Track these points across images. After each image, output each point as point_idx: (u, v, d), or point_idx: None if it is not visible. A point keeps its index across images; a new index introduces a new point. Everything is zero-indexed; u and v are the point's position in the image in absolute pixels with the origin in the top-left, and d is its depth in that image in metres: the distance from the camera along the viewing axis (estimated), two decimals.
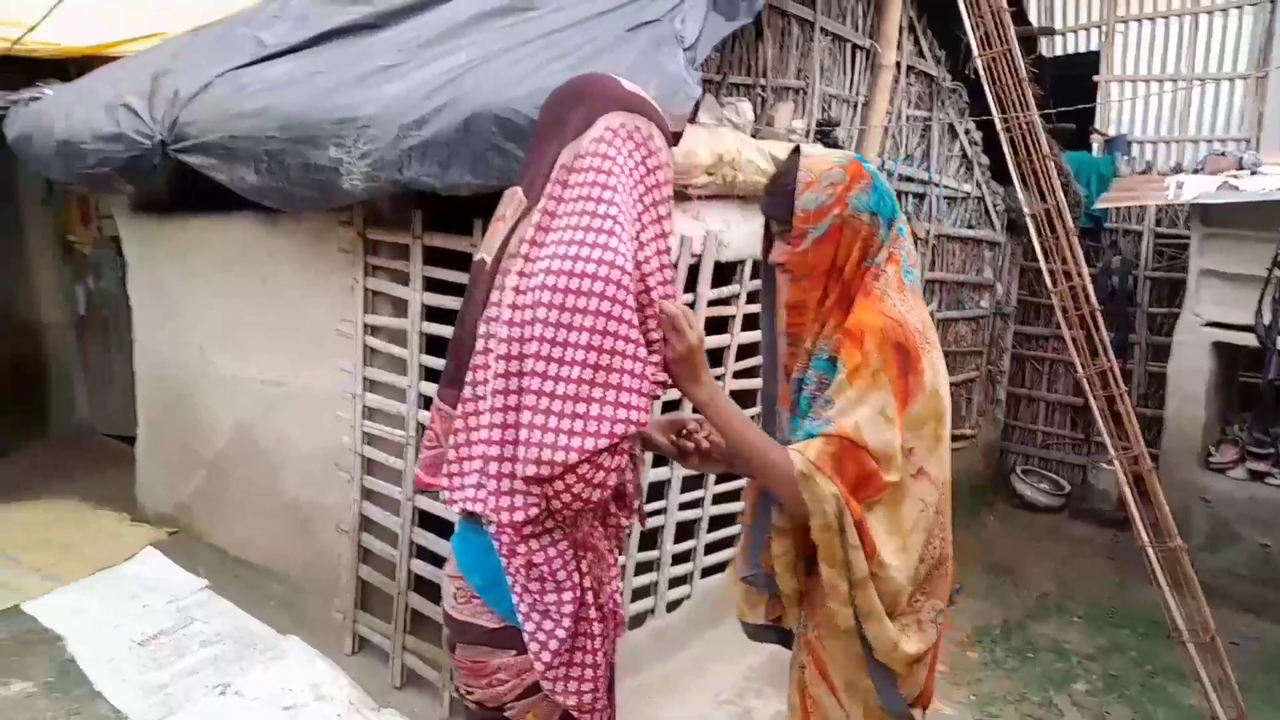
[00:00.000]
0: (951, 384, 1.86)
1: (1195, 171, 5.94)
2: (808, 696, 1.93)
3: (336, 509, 3.83)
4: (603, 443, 1.53)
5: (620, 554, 1.94)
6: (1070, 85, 7.00)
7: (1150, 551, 4.15)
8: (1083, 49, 8.08)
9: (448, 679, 3.37)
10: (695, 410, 1.83)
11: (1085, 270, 4.74)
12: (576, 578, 1.69)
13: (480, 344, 1.66)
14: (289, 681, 3.40)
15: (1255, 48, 7.14)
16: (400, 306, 3.53)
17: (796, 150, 1.87)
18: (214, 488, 4.51)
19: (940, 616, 1.91)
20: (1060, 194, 4.77)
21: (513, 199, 1.73)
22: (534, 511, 1.60)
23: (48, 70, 4.86)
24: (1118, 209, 6.63)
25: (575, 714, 1.75)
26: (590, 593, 1.72)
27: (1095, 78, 7.83)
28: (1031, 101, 4.83)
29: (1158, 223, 6.77)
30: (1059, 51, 8.19)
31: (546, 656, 1.67)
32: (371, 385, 3.67)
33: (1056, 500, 6.99)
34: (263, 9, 4.41)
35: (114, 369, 6.00)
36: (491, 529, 1.65)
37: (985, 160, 6.25)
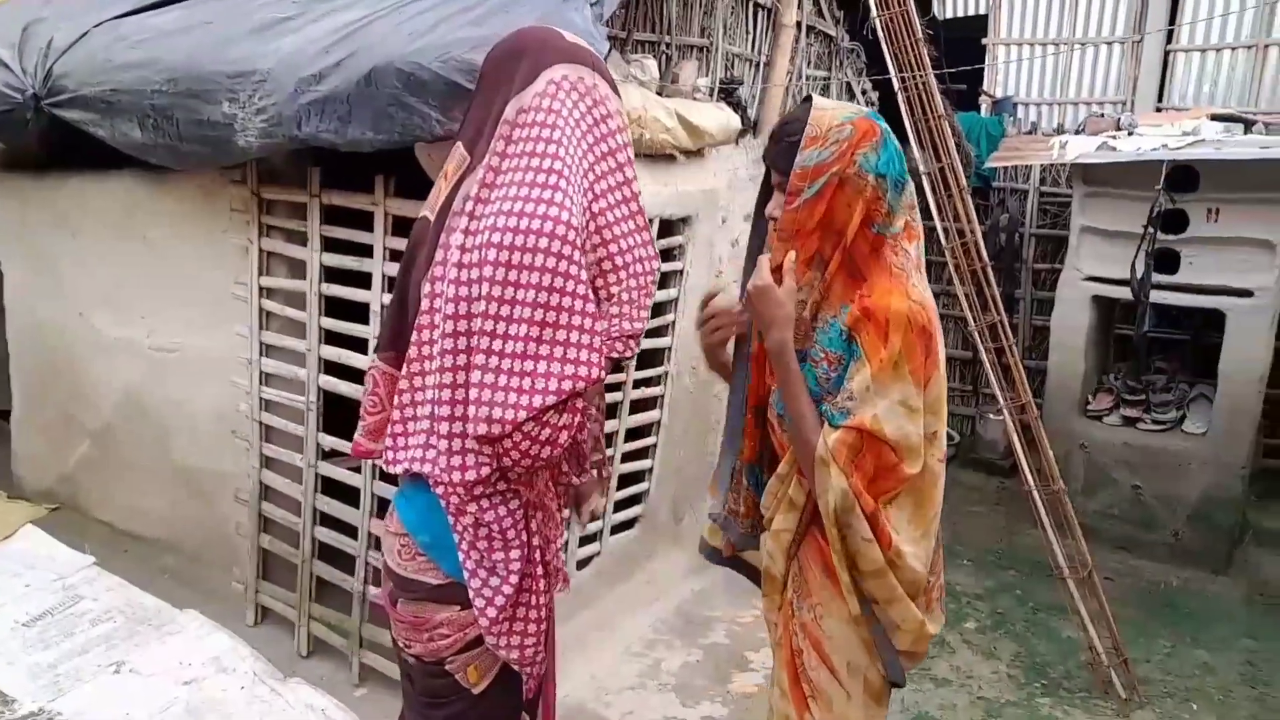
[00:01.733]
0: None
1: (1077, 132, 6.16)
2: (806, 681, 1.89)
3: (234, 477, 3.72)
4: (550, 400, 1.53)
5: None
6: (960, 47, 7.16)
7: (1035, 495, 4.36)
8: (972, 12, 8.28)
9: (357, 645, 3.34)
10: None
11: (977, 227, 4.90)
12: (525, 536, 1.69)
13: (425, 304, 1.64)
14: (188, 656, 3.29)
15: (1132, 14, 7.44)
16: (298, 268, 3.41)
17: (808, 99, 1.78)
18: (100, 459, 4.31)
19: (943, 595, 1.91)
20: (954, 153, 4.90)
21: (455, 155, 1.70)
22: (485, 471, 1.60)
23: None
24: (1005, 168, 6.86)
25: (516, 667, 1.77)
26: (538, 550, 1.73)
27: (984, 40, 8.03)
28: (927, 62, 4.92)
29: (1042, 181, 7.03)
30: (950, 14, 8.37)
31: (492, 612, 1.68)
32: (268, 350, 3.55)
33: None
34: None
35: None
36: (440, 489, 1.64)
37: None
